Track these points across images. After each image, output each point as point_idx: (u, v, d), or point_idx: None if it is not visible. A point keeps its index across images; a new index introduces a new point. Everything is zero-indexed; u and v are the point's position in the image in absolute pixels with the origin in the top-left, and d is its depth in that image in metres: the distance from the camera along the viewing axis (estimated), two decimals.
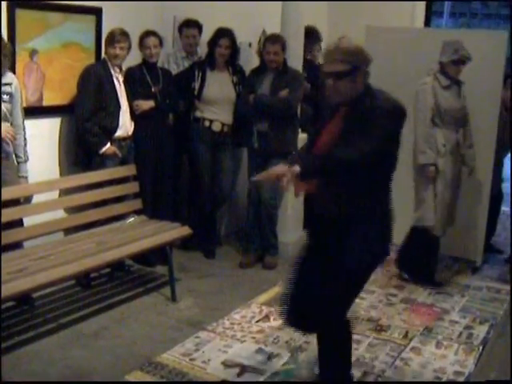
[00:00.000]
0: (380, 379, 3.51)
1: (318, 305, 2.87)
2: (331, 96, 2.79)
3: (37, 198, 4.13)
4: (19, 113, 4.00)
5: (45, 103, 4.45)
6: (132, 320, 4.07)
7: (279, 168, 2.67)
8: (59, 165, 4.65)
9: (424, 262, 4.86)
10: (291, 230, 5.30)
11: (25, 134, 4.05)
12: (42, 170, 4.37)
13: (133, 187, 4.65)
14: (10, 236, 3.78)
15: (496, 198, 5.61)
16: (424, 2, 6.75)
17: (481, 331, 4.18)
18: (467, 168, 4.85)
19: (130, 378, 3.36)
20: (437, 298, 4.68)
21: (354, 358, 3.64)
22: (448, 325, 4.26)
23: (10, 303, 3.95)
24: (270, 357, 3.67)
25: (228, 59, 5.12)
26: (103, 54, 4.63)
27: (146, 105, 4.77)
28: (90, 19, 4.63)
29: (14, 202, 3.89)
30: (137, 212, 4.63)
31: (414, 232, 4.79)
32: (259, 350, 3.73)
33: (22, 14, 4.15)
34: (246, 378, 3.44)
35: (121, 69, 4.62)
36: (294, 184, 2.64)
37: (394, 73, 5.42)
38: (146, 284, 4.68)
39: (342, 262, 2.77)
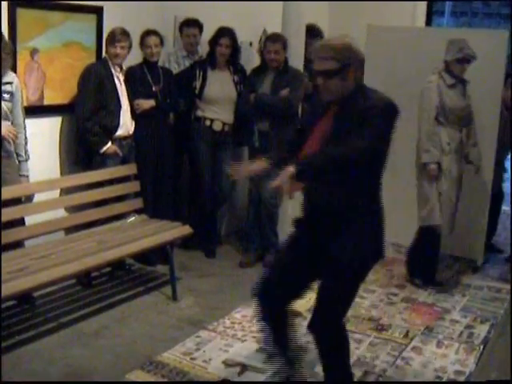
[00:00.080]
0: (381, 379, 3.51)
1: (318, 306, 2.86)
2: (321, 94, 2.75)
3: (38, 197, 4.13)
4: (20, 112, 4.00)
5: (45, 102, 4.45)
6: (133, 319, 4.07)
7: (258, 164, 2.65)
8: (60, 164, 4.65)
9: (431, 262, 4.84)
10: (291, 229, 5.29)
11: (25, 132, 4.05)
12: (43, 169, 4.37)
13: (133, 186, 4.65)
14: (11, 235, 3.78)
15: (497, 197, 5.61)
16: (425, 2, 6.74)
17: (481, 331, 4.18)
18: (473, 167, 4.84)
19: (130, 377, 3.36)
20: (437, 298, 4.68)
21: (354, 358, 3.66)
22: (449, 324, 4.26)
23: (11, 302, 3.96)
24: (271, 356, 3.66)
25: (229, 58, 5.12)
26: (104, 54, 4.63)
27: (147, 104, 4.77)
28: (91, 18, 4.63)
29: (16, 201, 3.89)
30: (137, 211, 4.63)
31: (421, 232, 4.78)
32: (260, 350, 3.73)
33: (22, 13, 4.15)
34: (247, 377, 3.44)
35: (121, 68, 4.62)
36: (288, 185, 2.60)
37: (394, 72, 5.43)
38: (147, 283, 4.68)
39: (335, 263, 2.74)
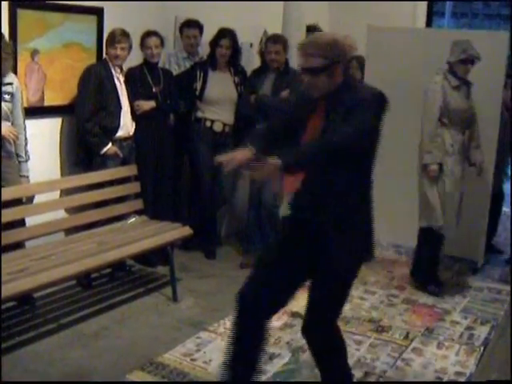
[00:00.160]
0: (381, 380, 3.51)
1: (311, 311, 2.83)
2: (309, 91, 2.71)
3: (38, 198, 4.13)
4: (20, 112, 4.00)
5: (46, 103, 4.45)
6: (133, 320, 4.06)
7: (241, 152, 2.59)
8: (60, 165, 4.65)
9: (432, 263, 4.84)
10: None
11: (25, 133, 4.05)
12: (43, 170, 4.37)
13: (134, 187, 4.65)
14: (11, 236, 3.78)
15: (497, 198, 5.61)
16: (425, 2, 6.74)
17: (482, 332, 4.18)
18: (476, 169, 4.82)
19: (131, 377, 3.36)
20: (438, 299, 4.67)
21: (355, 359, 3.66)
22: (449, 325, 4.26)
23: (11, 303, 3.95)
24: (272, 357, 3.66)
25: (229, 59, 5.12)
26: (104, 55, 4.63)
27: (147, 105, 4.77)
28: (92, 19, 4.63)
29: (16, 202, 3.90)
30: (138, 212, 4.63)
31: (422, 233, 4.78)
32: None
33: (23, 14, 4.15)
34: None
35: (122, 69, 4.62)
36: (274, 178, 2.56)
37: (394, 73, 5.42)
38: (147, 284, 4.68)
39: (326, 264, 2.71)
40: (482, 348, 3.94)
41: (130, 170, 4.63)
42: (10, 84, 3.89)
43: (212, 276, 4.90)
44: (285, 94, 4.93)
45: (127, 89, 4.62)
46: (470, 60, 4.51)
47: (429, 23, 6.87)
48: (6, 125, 3.86)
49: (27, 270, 3.57)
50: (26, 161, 4.07)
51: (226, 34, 5.03)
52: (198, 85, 5.06)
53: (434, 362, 3.74)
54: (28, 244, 4.02)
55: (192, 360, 3.58)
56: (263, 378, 3.42)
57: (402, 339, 4.00)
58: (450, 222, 4.62)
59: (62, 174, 4.65)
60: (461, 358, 3.79)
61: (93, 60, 4.64)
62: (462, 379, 3.57)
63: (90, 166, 4.50)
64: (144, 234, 4.31)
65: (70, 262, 3.75)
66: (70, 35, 4.51)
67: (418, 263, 4.91)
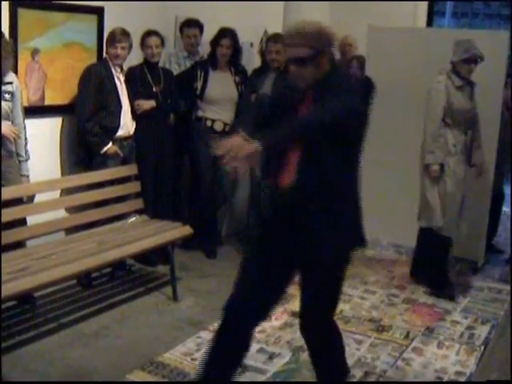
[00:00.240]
0: (381, 379, 3.51)
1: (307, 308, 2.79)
2: (296, 82, 2.67)
3: (38, 198, 4.13)
4: (19, 112, 4.00)
5: (46, 103, 4.45)
6: (133, 320, 4.06)
7: (235, 139, 2.40)
8: (60, 164, 4.65)
9: (438, 266, 4.82)
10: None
11: (25, 132, 4.05)
12: (44, 170, 4.37)
13: (134, 187, 4.65)
14: (11, 235, 3.78)
15: (497, 198, 5.60)
16: (426, 2, 6.74)
17: (482, 332, 4.17)
18: (476, 169, 4.81)
19: (131, 377, 3.36)
20: (438, 299, 4.67)
21: (355, 358, 3.67)
22: (449, 325, 4.26)
23: (11, 302, 3.95)
24: (272, 356, 3.66)
25: (230, 59, 5.12)
26: (104, 54, 4.63)
27: (147, 104, 4.77)
28: (92, 19, 4.63)
29: (17, 202, 3.90)
30: (138, 212, 4.63)
31: (422, 233, 4.77)
32: (261, 350, 3.73)
33: (23, 14, 4.15)
34: (248, 377, 3.44)
35: (122, 68, 4.62)
36: (255, 164, 2.45)
37: (395, 72, 5.42)
38: (147, 284, 4.68)
39: (316, 258, 2.62)
40: (482, 348, 3.94)
41: (131, 169, 4.63)
42: (10, 83, 3.90)
43: (212, 275, 4.90)
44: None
45: (127, 88, 4.62)
46: (473, 59, 4.50)
47: (429, 23, 6.87)
48: (6, 124, 3.86)
49: (27, 269, 3.57)
50: (26, 160, 4.07)
51: (226, 33, 5.03)
52: (199, 84, 5.06)
53: (434, 361, 3.74)
54: (28, 243, 4.02)
55: (192, 359, 3.58)
56: (263, 378, 3.43)
57: (402, 339, 4.00)
58: (450, 222, 4.61)
59: (62, 174, 4.65)
60: (461, 358, 3.79)
61: (93, 59, 4.65)
62: (463, 379, 3.57)
63: (90, 165, 4.50)
64: (144, 234, 4.31)
65: (71, 261, 3.75)
66: (71, 35, 4.51)
67: (417, 263, 4.91)
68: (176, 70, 5.20)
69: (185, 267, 4.97)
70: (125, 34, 4.46)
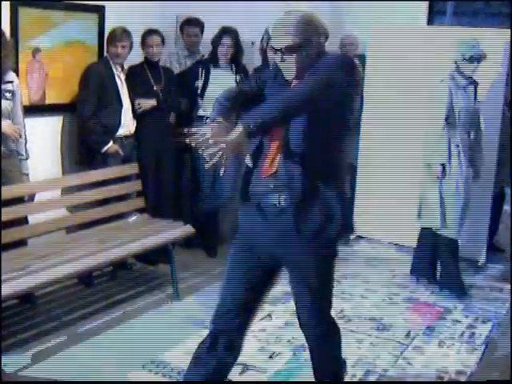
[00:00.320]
0: (382, 378, 3.51)
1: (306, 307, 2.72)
2: (284, 72, 2.56)
3: (39, 197, 4.13)
4: (19, 111, 4.00)
5: (47, 102, 4.46)
6: (134, 318, 4.06)
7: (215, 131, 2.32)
8: (61, 163, 4.66)
9: (448, 268, 4.83)
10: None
11: (25, 131, 4.05)
12: (45, 169, 4.37)
13: (135, 186, 4.65)
14: (12, 234, 3.79)
15: (498, 196, 5.60)
16: (427, 2, 6.73)
17: (483, 331, 4.17)
18: (474, 170, 4.80)
19: (132, 376, 3.36)
20: (439, 298, 4.67)
21: (356, 357, 3.67)
22: (450, 324, 4.26)
23: (12, 301, 3.95)
24: (272, 356, 3.67)
25: (231, 58, 5.12)
26: (105, 53, 4.63)
27: (148, 103, 4.77)
28: (93, 17, 4.63)
29: (18, 200, 3.90)
30: (139, 210, 4.63)
31: (422, 233, 4.77)
32: (261, 349, 3.73)
33: (24, 12, 4.16)
34: (249, 376, 3.44)
35: (123, 67, 4.62)
36: (241, 150, 2.31)
37: (396, 71, 5.42)
38: (149, 282, 4.68)
39: (302, 253, 2.55)
40: (483, 347, 3.94)
41: (132, 168, 4.63)
42: (11, 82, 3.90)
43: (213, 274, 4.90)
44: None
45: (128, 87, 4.62)
46: (476, 58, 4.49)
47: (430, 22, 6.85)
48: (7, 123, 3.86)
49: (29, 268, 3.57)
50: (26, 159, 4.08)
51: (227, 32, 5.03)
52: (200, 83, 5.06)
53: (435, 360, 3.74)
54: (29, 242, 4.03)
55: None
56: (264, 377, 3.43)
57: (403, 338, 4.00)
58: (452, 223, 4.59)
59: (63, 173, 4.65)
60: (462, 357, 3.79)
61: (94, 58, 4.65)
62: (463, 378, 3.57)
63: (91, 164, 4.50)
64: (145, 233, 4.32)
65: (72, 260, 3.75)
66: (72, 33, 4.51)
67: (418, 262, 4.91)
68: (177, 69, 5.20)
69: (186, 266, 4.97)
70: (125, 32, 4.47)
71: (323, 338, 2.82)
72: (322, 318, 2.77)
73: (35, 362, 3.44)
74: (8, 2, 4.05)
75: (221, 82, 5.10)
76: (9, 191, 3.77)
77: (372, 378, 3.50)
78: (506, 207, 6.45)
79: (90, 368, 3.41)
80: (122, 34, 4.44)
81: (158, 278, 4.78)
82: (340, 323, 3.98)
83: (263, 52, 5.27)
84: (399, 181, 5.36)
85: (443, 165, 4.51)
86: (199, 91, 5.07)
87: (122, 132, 4.57)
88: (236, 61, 5.18)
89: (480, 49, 4.46)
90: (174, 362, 3.53)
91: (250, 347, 3.72)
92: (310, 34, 2.51)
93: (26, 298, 4.04)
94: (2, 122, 3.81)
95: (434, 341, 3.99)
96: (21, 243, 3.92)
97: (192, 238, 4.93)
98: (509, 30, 5.10)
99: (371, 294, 4.68)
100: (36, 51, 4.31)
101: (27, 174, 4.09)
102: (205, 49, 5.33)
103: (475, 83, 4.60)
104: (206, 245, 5.34)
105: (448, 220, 4.57)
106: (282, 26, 2.51)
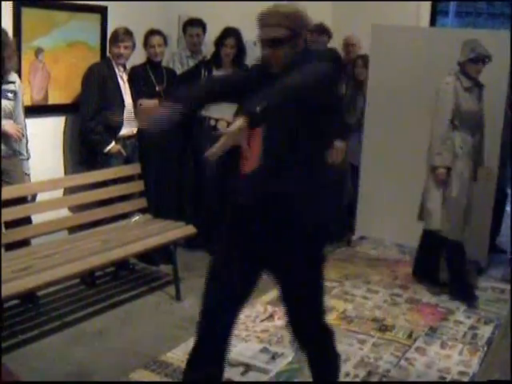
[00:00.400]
0: (384, 379, 3.50)
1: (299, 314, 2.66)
2: (269, 65, 2.51)
3: (41, 197, 4.14)
4: (21, 111, 4.01)
5: (50, 102, 4.46)
6: (136, 319, 4.07)
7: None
8: (64, 163, 4.66)
9: (433, 264, 4.82)
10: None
11: (26, 131, 4.06)
12: (47, 169, 4.38)
13: (138, 186, 4.65)
14: (15, 234, 3.79)
15: (501, 198, 5.59)
16: (429, 2, 6.73)
17: (485, 332, 4.17)
18: (475, 173, 4.78)
19: (134, 376, 3.36)
20: (441, 299, 4.66)
21: (358, 358, 3.67)
22: (453, 325, 4.25)
23: (15, 301, 3.96)
24: (275, 356, 3.66)
25: (234, 58, 5.12)
26: (108, 53, 4.63)
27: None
28: (96, 18, 4.64)
29: (21, 200, 3.90)
30: (141, 211, 4.64)
31: (425, 235, 4.76)
32: (264, 350, 3.73)
33: (27, 13, 4.16)
34: (251, 377, 3.44)
35: (125, 68, 4.62)
36: (242, 141, 2.21)
37: (399, 71, 5.42)
38: (151, 283, 4.69)
39: (289, 257, 2.50)
40: (485, 348, 3.94)
41: (134, 168, 4.64)
42: (13, 82, 3.91)
43: None
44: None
45: (130, 87, 4.63)
46: (480, 59, 4.47)
47: (433, 22, 6.85)
48: (9, 122, 3.87)
49: (31, 268, 3.58)
50: (28, 159, 4.08)
51: (230, 32, 5.03)
52: None
53: (437, 361, 3.74)
54: (32, 242, 4.03)
55: None
56: (266, 378, 3.43)
57: (405, 338, 3.99)
58: (456, 226, 4.56)
59: (65, 173, 4.66)
60: (464, 358, 3.79)
61: (97, 59, 4.65)
62: (466, 379, 3.56)
63: (93, 164, 4.51)
64: (147, 233, 4.32)
65: (74, 260, 3.75)
66: (75, 34, 4.52)
67: (420, 263, 4.90)
68: (179, 70, 5.21)
69: (188, 267, 4.97)
70: (128, 33, 4.47)
71: (313, 344, 2.77)
72: (310, 324, 2.70)
73: (36, 362, 3.44)
74: (11, 3, 4.06)
75: None
76: (12, 191, 3.78)
77: (374, 379, 3.50)
78: (507, 208, 6.44)
79: (91, 368, 3.41)
80: (124, 35, 4.44)
81: (159, 278, 4.78)
82: (342, 324, 4.00)
83: None
84: (402, 180, 5.37)
85: (448, 168, 4.48)
86: None
87: (124, 132, 4.58)
88: (239, 61, 5.18)
89: (485, 49, 4.44)
90: (176, 362, 3.53)
91: (253, 348, 3.74)
92: (296, 27, 2.46)
93: (29, 298, 4.05)
94: (4, 122, 3.81)
95: (436, 342, 3.98)
96: (24, 243, 3.93)
97: (194, 238, 4.93)
98: (508, 32, 5.10)
99: (373, 294, 4.67)
100: (39, 51, 4.31)
101: (28, 174, 4.10)
102: (207, 49, 5.33)
103: (480, 85, 4.58)
104: (208, 245, 5.33)
105: (452, 223, 4.55)
106: (269, 18, 2.46)
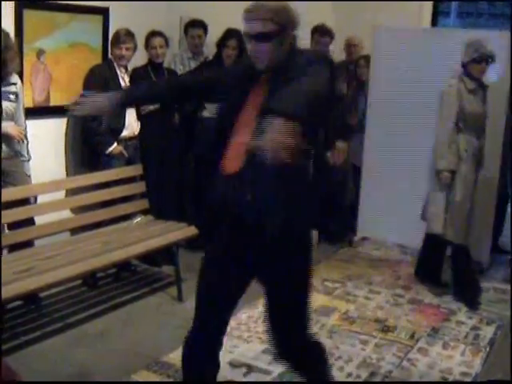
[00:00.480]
0: (387, 379, 3.50)
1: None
2: (255, 61, 2.40)
3: (43, 198, 4.14)
4: (22, 112, 4.02)
5: (51, 103, 4.47)
6: (138, 320, 4.07)
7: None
8: (65, 165, 4.67)
9: (435, 265, 4.82)
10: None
11: (26, 133, 4.07)
12: (49, 170, 4.38)
13: (139, 187, 4.65)
14: (18, 235, 3.80)
15: (502, 198, 5.58)
16: (431, 2, 6.72)
17: (487, 332, 4.16)
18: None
19: (136, 377, 3.36)
20: (443, 299, 4.66)
21: (360, 359, 3.67)
22: (455, 326, 4.25)
23: (17, 302, 3.96)
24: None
25: (236, 60, 5.12)
26: (109, 55, 4.64)
27: (152, 105, 4.77)
28: (97, 19, 4.64)
29: (24, 202, 3.91)
30: (143, 212, 4.64)
31: (426, 237, 4.76)
32: (266, 350, 3.71)
33: (29, 14, 4.17)
34: (253, 378, 3.44)
35: (126, 69, 4.63)
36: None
37: (400, 71, 5.41)
38: (152, 284, 4.69)
39: (277, 273, 2.45)
40: (487, 348, 3.94)
41: (136, 169, 4.64)
42: (15, 84, 3.91)
43: None
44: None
45: None
46: (484, 59, 4.44)
47: (434, 23, 6.84)
48: (11, 124, 3.87)
49: (33, 269, 3.58)
50: (28, 160, 4.09)
51: (232, 34, 5.03)
52: None
53: (439, 362, 3.73)
54: (35, 243, 4.04)
55: None
56: (268, 379, 3.43)
57: (407, 339, 3.99)
58: (460, 230, 4.53)
59: (67, 174, 4.66)
60: (466, 359, 3.79)
61: (99, 60, 4.66)
62: (468, 379, 3.56)
63: (95, 165, 4.51)
64: (149, 234, 4.32)
65: (76, 261, 3.76)
66: (76, 35, 4.53)
67: (422, 263, 4.90)
68: (180, 71, 5.21)
69: (190, 268, 4.95)
70: (129, 34, 4.47)
71: (296, 363, 2.68)
72: (291, 340, 2.60)
73: (38, 364, 3.44)
74: (13, 4, 4.06)
75: None
76: (13, 193, 3.78)
77: (376, 380, 3.49)
78: (508, 208, 6.43)
79: (93, 369, 3.42)
80: (125, 36, 4.45)
81: (161, 279, 4.78)
82: (344, 324, 4.00)
83: None
84: (404, 181, 5.36)
85: (453, 171, 4.43)
86: None
87: (125, 133, 4.58)
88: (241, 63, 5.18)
89: (488, 49, 4.42)
90: (178, 363, 3.52)
91: (255, 349, 3.74)
92: (284, 22, 2.37)
93: (31, 299, 4.05)
94: (6, 124, 3.82)
95: (438, 342, 3.98)
96: (27, 244, 3.93)
97: (196, 239, 4.93)
98: (508, 32, 5.09)
99: (375, 295, 4.67)
100: (40, 53, 4.32)
101: (29, 176, 4.10)
102: (209, 50, 5.34)
103: (485, 87, 4.56)
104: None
105: (456, 227, 4.52)
106: (256, 12, 2.37)
